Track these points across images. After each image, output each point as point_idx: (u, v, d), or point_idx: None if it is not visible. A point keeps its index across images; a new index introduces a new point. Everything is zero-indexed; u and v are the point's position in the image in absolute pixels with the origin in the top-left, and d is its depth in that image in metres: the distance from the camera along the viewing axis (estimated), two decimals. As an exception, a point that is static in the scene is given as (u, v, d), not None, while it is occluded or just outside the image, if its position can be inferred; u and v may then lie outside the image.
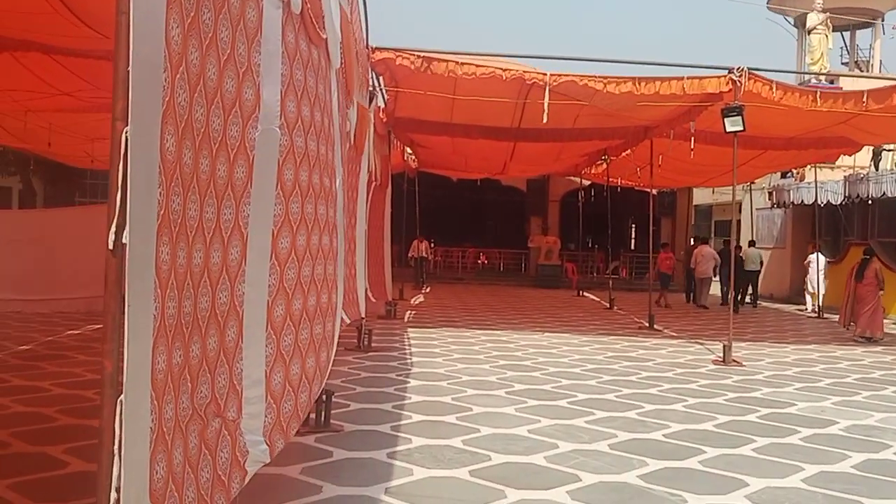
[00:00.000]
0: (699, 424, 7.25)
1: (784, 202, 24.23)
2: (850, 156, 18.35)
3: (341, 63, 4.87)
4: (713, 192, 32.75)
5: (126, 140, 2.08)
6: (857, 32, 34.76)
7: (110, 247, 2.07)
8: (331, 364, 4.97)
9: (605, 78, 11.49)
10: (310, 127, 3.77)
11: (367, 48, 10.34)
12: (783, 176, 25.17)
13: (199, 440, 2.54)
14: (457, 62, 11.56)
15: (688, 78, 11.17)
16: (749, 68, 11.02)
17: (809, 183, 22.25)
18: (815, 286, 20.43)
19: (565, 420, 7.15)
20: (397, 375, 9.05)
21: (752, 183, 26.79)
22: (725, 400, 8.52)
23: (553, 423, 6.99)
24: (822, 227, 22.09)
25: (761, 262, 22.20)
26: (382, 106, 14.18)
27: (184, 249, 2.38)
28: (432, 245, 28.82)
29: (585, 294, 24.11)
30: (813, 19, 28.92)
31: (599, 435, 6.66)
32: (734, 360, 11.14)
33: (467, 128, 15.95)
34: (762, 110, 11.58)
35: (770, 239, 25.90)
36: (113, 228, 2.06)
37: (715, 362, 11.20)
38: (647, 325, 15.62)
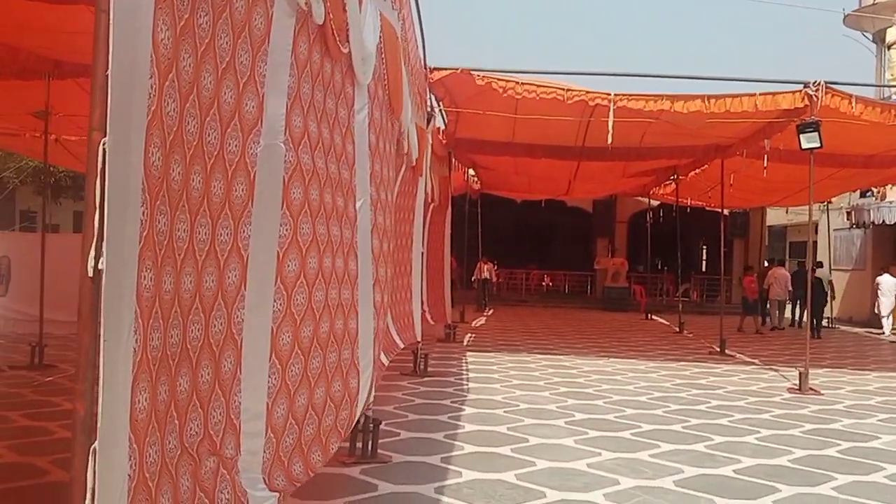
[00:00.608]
0: (773, 459, 6.74)
1: (864, 222, 23.17)
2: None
3: (377, 79, 4.63)
4: (787, 213, 31.59)
5: (104, 152, 1.85)
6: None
7: (89, 273, 1.83)
8: (367, 392, 4.68)
9: (673, 96, 11.06)
10: (317, 143, 3.52)
11: (425, 68, 10.15)
12: (862, 195, 24.12)
13: (193, 481, 2.29)
14: (517, 82, 11.28)
15: (760, 94, 10.65)
16: (826, 82, 10.45)
17: (891, 202, 21.23)
18: (884, 309, 20.32)
19: (628, 453, 6.72)
20: (452, 402, 8.74)
21: (829, 202, 25.79)
22: (802, 432, 7.96)
23: (615, 457, 6.58)
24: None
25: (831, 284, 21.40)
26: (442, 127, 13.99)
27: (170, 274, 2.14)
28: (496, 267, 28.48)
29: (654, 317, 23.42)
30: (893, 34, 27.90)
31: (664, 470, 6.22)
32: (811, 389, 10.50)
33: (530, 147, 15.62)
34: (840, 126, 10.97)
35: (848, 260, 24.82)
36: (92, 252, 1.83)
37: (790, 390, 10.58)
38: (718, 349, 14.97)
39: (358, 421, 6.17)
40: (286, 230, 3.19)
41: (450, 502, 5.24)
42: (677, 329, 19.38)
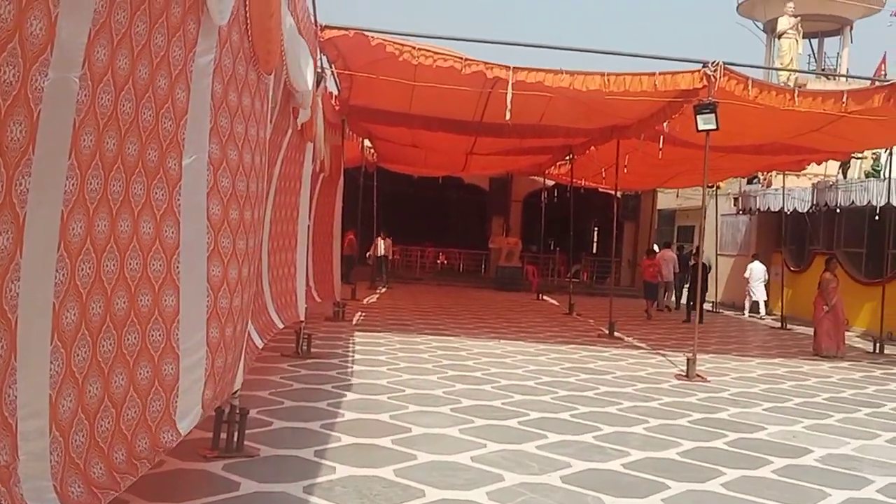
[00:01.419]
0: (662, 451, 6.53)
1: (750, 208, 23.77)
2: (820, 164, 17.91)
3: (233, 22, 4.02)
4: (678, 197, 32.31)
5: None
6: (826, 40, 34.51)
7: None
8: (198, 380, 4.10)
9: (573, 73, 10.75)
10: (126, 83, 2.96)
11: (315, 25, 9.48)
12: (749, 181, 24.75)
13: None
14: (413, 47, 10.73)
15: (660, 74, 10.47)
16: (724, 63, 10.36)
17: (776, 189, 21.80)
18: (757, 294, 21.96)
19: (514, 444, 6.37)
20: (333, 387, 8.21)
21: (718, 188, 26.36)
22: (690, 422, 7.81)
23: (500, 449, 6.21)
24: (787, 234, 21.68)
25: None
26: (335, 92, 13.32)
27: None
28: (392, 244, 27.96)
29: (545, 298, 23.43)
30: (784, 23, 28.51)
31: (551, 464, 5.89)
32: (698, 375, 10.48)
33: (426, 119, 15.14)
34: (735, 111, 10.91)
35: (734, 246, 25.47)
36: None
37: (678, 377, 10.53)
38: (607, 332, 14.95)
39: (221, 410, 5.59)
40: (73, 185, 2.60)
41: (319, 503, 4.74)
42: (567, 310, 19.36)
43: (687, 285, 20.51)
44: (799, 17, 28.97)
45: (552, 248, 30.62)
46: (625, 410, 8.13)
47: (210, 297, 4.21)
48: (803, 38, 29.88)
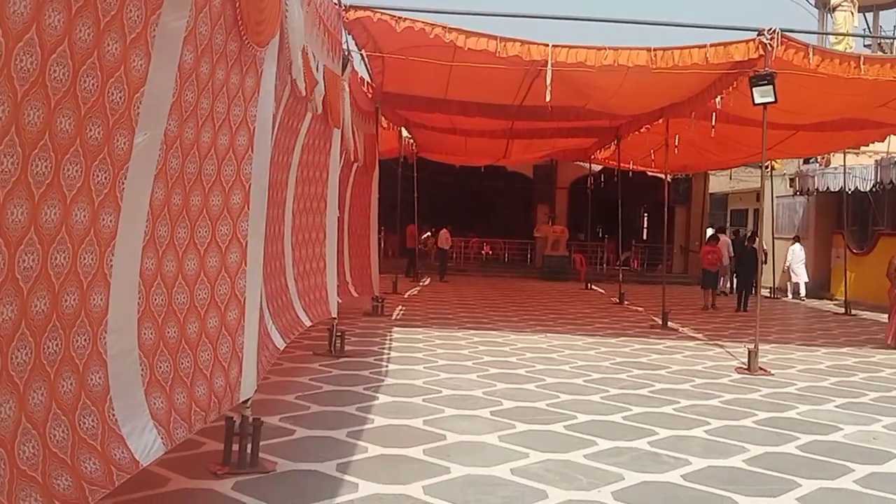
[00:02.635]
0: (726, 459, 5.83)
1: (807, 189, 22.66)
2: (883, 140, 16.85)
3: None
4: (731, 179, 31.16)
5: None
6: (881, 14, 32.96)
7: None
8: (123, 393, 3.56)
9: (617, 49, 10.01)
10: (58, 46, 2.51)
11: (338, 4, 8.92)
12: (806, 161, 23.61)
13: None
14: (444, 27, 10.10)
15: (711, 45, 9.67)
16: (781, 30, 9.53)
17: (836, 168, 20.68)
18: (799, 276, 21.91)
19: (559, 454, 5.73)
20: (365, 389, 7.65)
21: (773, 168, 25.23)
22: (755, 422, 7.08)
23: (544, 459, 5.58)
24: (848, 215, 20.59)
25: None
26: (367, 79, 12.76)
27: None
28: (431, 235, 27.39)
29: (594, 287, 22.63)
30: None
31: (601, 477, 5.24)
32: (761, 368, 9.71)
33: (464, 104, 14.49)
34: (794, 85, 10.07)
35: (791, 228, 24.33)
36: None
37: (739, 370, 9.77)
38: (659, 322, 14.18)
39: (232, 420, 5.06)
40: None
41: (336, 530, 4.18)
42: (617, 300, 18.58)
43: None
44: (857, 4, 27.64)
45: (600, 235, 29.80)
46: (682, 410, 7.42)
47: (141, 294, 3.68)
48: (858, 11, 28.55)
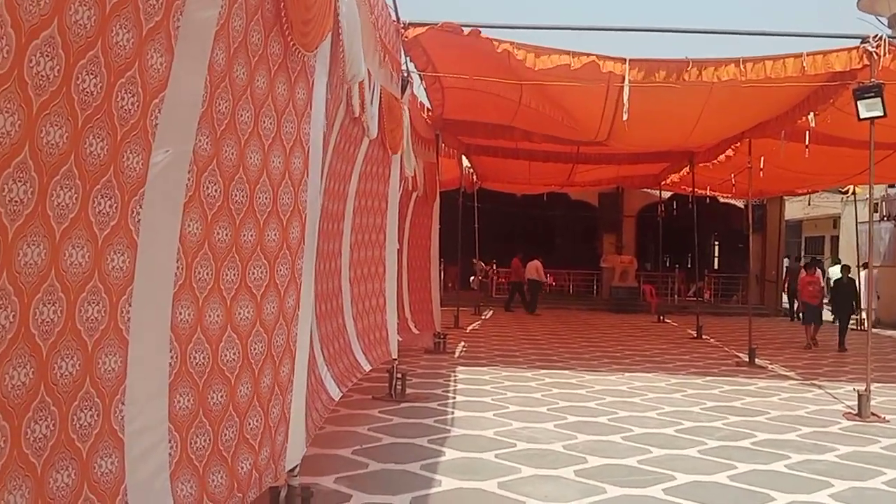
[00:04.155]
0: (865, 535, 4.85)
1: (891, 214, 21.24)
2: None
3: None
4: (809, 204, 29.72)
5: None
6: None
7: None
8: (163, 474, 2.81)
9: (702, 62, 9.13)
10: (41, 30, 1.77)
11: (397, 20, 8.27)
12: (891, 185, 22.19)
13: None
14: (512, 43, 9.37)
15: (808, 54, 8.74)
16: (890, 36, 8.57)
17: (929, 192, 19.33)
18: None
19: (663, 527, 4.83)
20: (430, 441, 6.84)
21: (854, 193, 23.82)
22: (886, 483, 6.05)
23: (645, 535, 4.69)
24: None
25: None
26: (427, 105, 12.09)
27: None
28: (494, 266, 26.54)
29: (667, 320, 21.45)
30: (913, 16, 25.83)
31: (719, 560, 4.33)
32: (873, 414, 8.61)
33: (529, 133, 13.73)
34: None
35: (877, 257, 22.85)
36: None
37: (847, 416, 8.68)
38: (746, 359, 13.07)
39: (277, 491, 4.30)
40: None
41: None
42: (695, 333, 17.44)
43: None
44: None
45: (668, 264, 28.58)
46: (795, 467, 6.43)
47: (175, 353, 2.94)
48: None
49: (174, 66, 2.75)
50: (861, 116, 8.53)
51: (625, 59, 9.20)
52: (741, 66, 8.91)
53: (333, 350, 6.27)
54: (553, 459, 6.41)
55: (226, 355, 3.42)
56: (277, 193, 3.67)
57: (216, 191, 3.22)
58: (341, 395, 6.07)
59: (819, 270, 18.55)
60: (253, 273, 3.63)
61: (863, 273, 20.38)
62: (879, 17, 32.78)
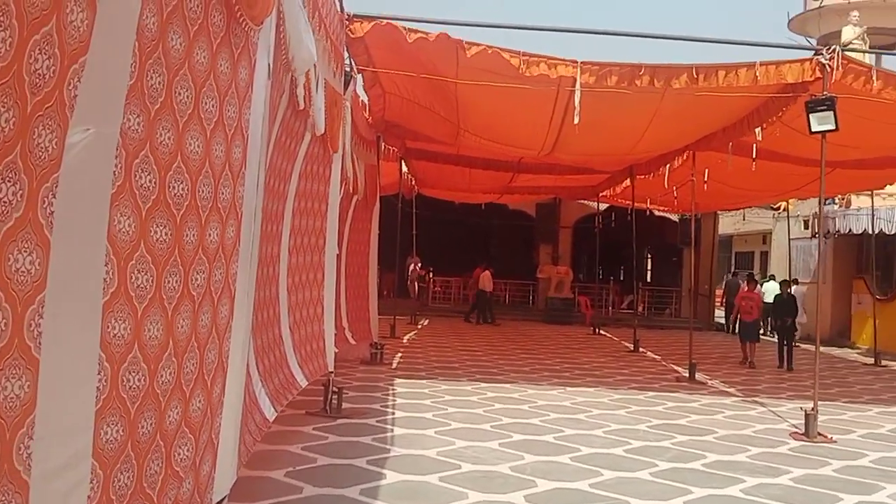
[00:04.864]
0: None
1: (827, 231, 21.57)
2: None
3: None
4: (743, 220, 30.15)
5: None
6: (884, 58, 32.35)
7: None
8: None
9: (654, 68, 8.88)
10: None
11: (341, 10, 7.80)
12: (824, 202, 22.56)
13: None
14: (462, 42, 8.95)
15: (761, 64, 8.58)
16: (842, 49, 8.48)
17: (859, 209, 19.65)
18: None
19: (625, 562, 4.47)
20: (369, 462, 6.36)
21: (786, 210, 24.19)
22: (845, 510, 5.84)
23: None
24: (870, 259, 19.50)
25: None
26: (367, 103, 11.60)
27: None
28: (430, 274, 26.16)
29: (602, 332, 21.33)
30: (849, 33, 26.48)
31: None
32: (820, 434, 8.46)
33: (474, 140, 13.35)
34: (848, 113, 8.89)
35: (807, 273, 23.21)
36: None
37: (794, 436, 8.52)
38: (686, 374, 12.93)
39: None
40: None
41: None
42: (632, 347, 17.29)
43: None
44: (866, 27, 26.91)
45: (601, 276, 28.60)
46: (752, 492, 6.16)
47: (104, 375, 2.45)
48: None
49: (96, 25, 2.25)
50: (813, 129, 8.40)
51: (576, 62, 8.89)
52: (694, 75, 8.69)
53: (269, 364, 5.76)
54: (501, 483, 6.02)
55: (163, 375, 2.92)
56: (218, 187, 3.18)
57: (150, 182, 2.72)
58: (276, 414, 5.55)
59: (759, 286, 18.67)
60: (196, 279, 3.15)
61: (793, 288, 20.67)
62: (809, 38, 33.68)
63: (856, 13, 28.48)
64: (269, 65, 3.83)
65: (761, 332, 17.76)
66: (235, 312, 3.58)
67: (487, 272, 22.36)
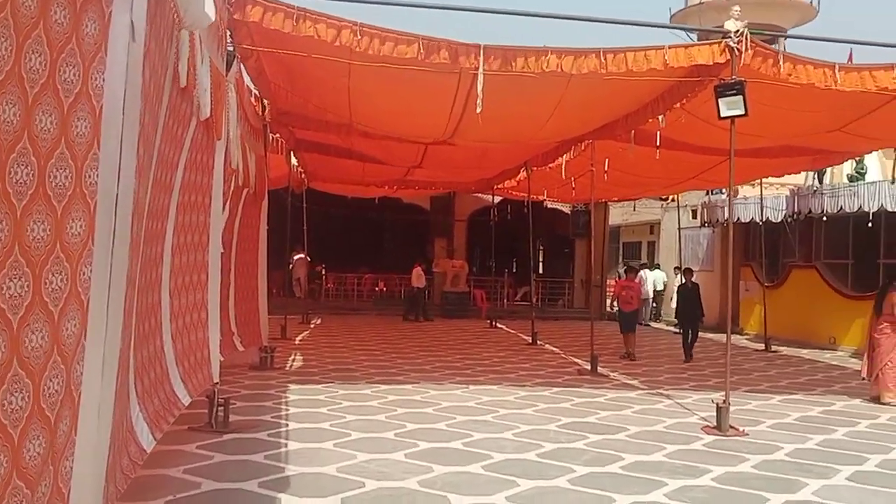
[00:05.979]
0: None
1: (716, 220, 22.00)
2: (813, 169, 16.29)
3: None
4: (634, 210, 30.56)
5: None
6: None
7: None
8: None
9: (561, 51, 8.45)
10: None
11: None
12: (710, 192, 22.99)
13: None
14: (353, 26, 8.24)
15: (670, 47, 8.30)
16: (751, 31, 8.30)
17: (746, 198, 20.07)
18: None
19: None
20: (260, 486, 5.67)
21: (673, 200, 24.58)
22: (772, 511, 5.55)
23: None
24: (757, 246, 19.92)
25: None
26: (255, 92, 10.77)
27: None
28: (323, 271, 25.37)
29: (498, 325, 21.03)
30: (731, 27, 27.19)
31: None
32: (732, 427, 8.26)
33: (367, 132, 12.67)
34: (752, 101, 8.72)
35: (695, 261, 23.61)
36: None
37: (706, 430, 8.29)
38: (587, 367, 12.70)
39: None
40: None
41: None
42: (530, 339, 17.02)
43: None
44: (747, 21, 27.70)
45: (494, 269, 28.46)
46: (677, 496, 5.81)
47: None
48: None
49: None
50: (722, 115, 8.18)
51: (479, 46, 8.37)
52: (602, 58, 8.32)
53: (148, 382, 4.97)
54: (410, 501, 5.44)
55: (50, 386, 2.28)
56: (46, 168, 2.45)
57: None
58: (154, 443, 4.77)
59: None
60: (82, 277, 2.52)
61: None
62: (689, 34, 34.48)
63: (737, 8, 29.06)
64: (131, 22, 3.10)
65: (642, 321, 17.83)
66: (90, 328, 2.86)
67: (418, 268, 22.01)
